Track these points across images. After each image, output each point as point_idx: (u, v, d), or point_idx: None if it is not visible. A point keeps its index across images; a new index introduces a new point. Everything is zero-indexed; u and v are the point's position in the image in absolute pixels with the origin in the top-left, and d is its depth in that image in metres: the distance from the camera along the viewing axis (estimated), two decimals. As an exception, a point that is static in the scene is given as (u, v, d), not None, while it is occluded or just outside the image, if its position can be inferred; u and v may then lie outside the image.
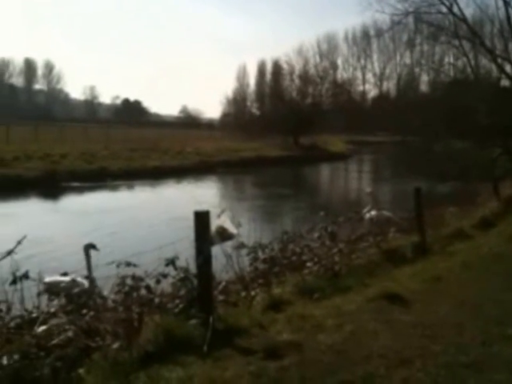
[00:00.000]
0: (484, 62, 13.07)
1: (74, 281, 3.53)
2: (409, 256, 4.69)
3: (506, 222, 6.53)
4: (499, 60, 11.66)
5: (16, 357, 2.08)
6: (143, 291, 2.74)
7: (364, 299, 3.21)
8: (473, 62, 12.26)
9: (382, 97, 58.38)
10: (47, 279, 3.37)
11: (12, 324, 2.41)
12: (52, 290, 3.12)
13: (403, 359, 2.29)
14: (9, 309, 2.54)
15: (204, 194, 13.27)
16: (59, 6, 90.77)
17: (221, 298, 2.89)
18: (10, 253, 2.37)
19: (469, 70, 12.51)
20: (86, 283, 3.48)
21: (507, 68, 11.68)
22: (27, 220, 8.95)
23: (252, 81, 46.83)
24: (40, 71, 60.68)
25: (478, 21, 13.44)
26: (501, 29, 12.15)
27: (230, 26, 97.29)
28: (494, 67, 13.17)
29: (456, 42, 11.97)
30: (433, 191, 10.16)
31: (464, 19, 10.89)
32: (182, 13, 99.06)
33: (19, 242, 2.36)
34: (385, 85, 60.52)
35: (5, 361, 2.05)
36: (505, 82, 13.42)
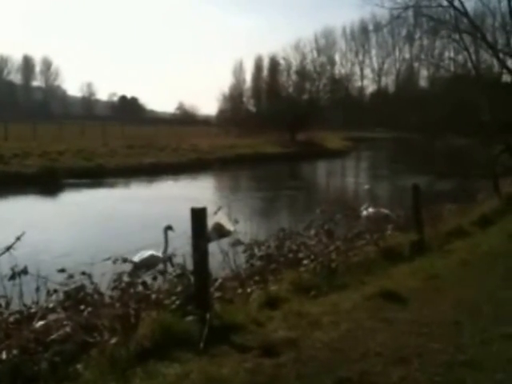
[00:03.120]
0: (485, 56, 12.90)
1: (153, 255, 4.28)
2: (406, 254, 4.67)
3: (506, 220, 6.46)
4: (501, 55, 11.52)
5: (15, 352, 2.08)
6: (140, 287, 2.75)
7: (361, 297, 3.21)
8: (474, 57, 12.08)
9: (380, 93, 58.16)
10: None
11: (11, 319, 2.42)
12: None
13: (400, 357, 2.28)
14: (8, 304, 2.56)
15: (200, 190, 13.25)
16: (57, 3, 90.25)
17: (217, 294, 2.89)
18: (8, 248, 2.38)
19: (469, 65, 12.35)
20: (161, 255, 4.33)
21: (509, 63, 11.53)
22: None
23: (248, 77, 46.53)
24: (38, 68, 60.43)
25: (480, 14, 13.23)
26: (502, 23, 12.02)
27: (228, 21, 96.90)
28: (495, 62, 13.03)
29: (456, 36, 11.80)
30: (431, 188, 10.14)
31: (465, 13, 10.71)
32: (179, 9, 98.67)
33: (18, 238, 2.38)
34: (383, 80, 60.46)
35: (4, 355, 2.06)
36: (506, 78, 13.29)
